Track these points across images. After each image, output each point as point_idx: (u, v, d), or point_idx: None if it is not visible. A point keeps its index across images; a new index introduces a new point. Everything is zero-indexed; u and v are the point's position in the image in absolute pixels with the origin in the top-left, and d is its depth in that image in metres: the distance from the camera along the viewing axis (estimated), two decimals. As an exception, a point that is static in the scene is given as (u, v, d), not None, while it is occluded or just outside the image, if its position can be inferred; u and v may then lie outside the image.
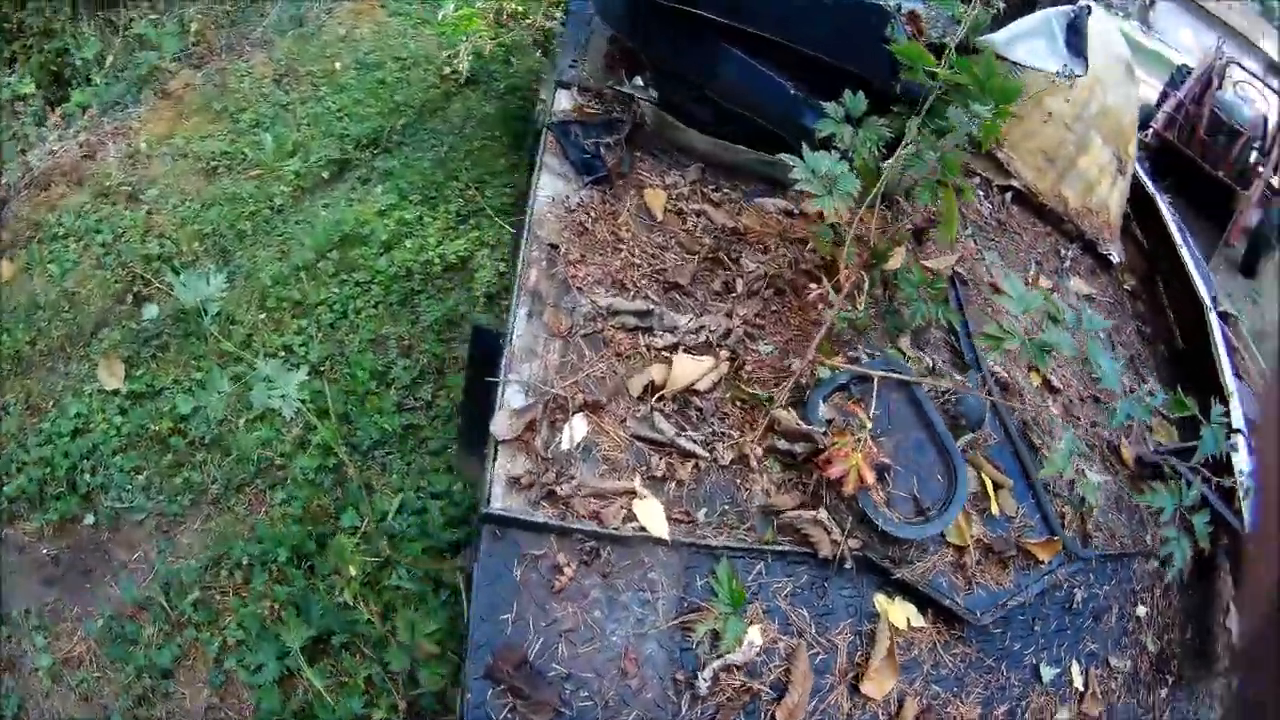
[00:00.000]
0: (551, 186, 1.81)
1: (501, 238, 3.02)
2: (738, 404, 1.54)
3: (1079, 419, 2.02)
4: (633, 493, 1.32)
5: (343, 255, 2.93)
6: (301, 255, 2.88)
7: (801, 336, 1.70)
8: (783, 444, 1.47)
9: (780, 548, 1.39)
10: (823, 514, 1.39)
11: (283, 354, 2.63)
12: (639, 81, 2.08)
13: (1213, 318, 2.38)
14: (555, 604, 1.25)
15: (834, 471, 1.34)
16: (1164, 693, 1.78)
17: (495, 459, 1.34)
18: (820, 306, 1.63)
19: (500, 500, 1.29)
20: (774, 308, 1.76)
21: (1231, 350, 2.34)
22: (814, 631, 1.35)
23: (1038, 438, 1.84)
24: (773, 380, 1.58)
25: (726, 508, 1.41)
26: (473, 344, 1.74)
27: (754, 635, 1.28)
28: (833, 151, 1.58)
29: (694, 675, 1.23)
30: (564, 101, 2.04)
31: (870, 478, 1.36)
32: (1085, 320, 1.68)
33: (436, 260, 2.95)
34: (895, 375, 1.62)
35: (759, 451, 1.47)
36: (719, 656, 1.25)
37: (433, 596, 2.12)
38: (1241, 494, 1.86)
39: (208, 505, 2.35)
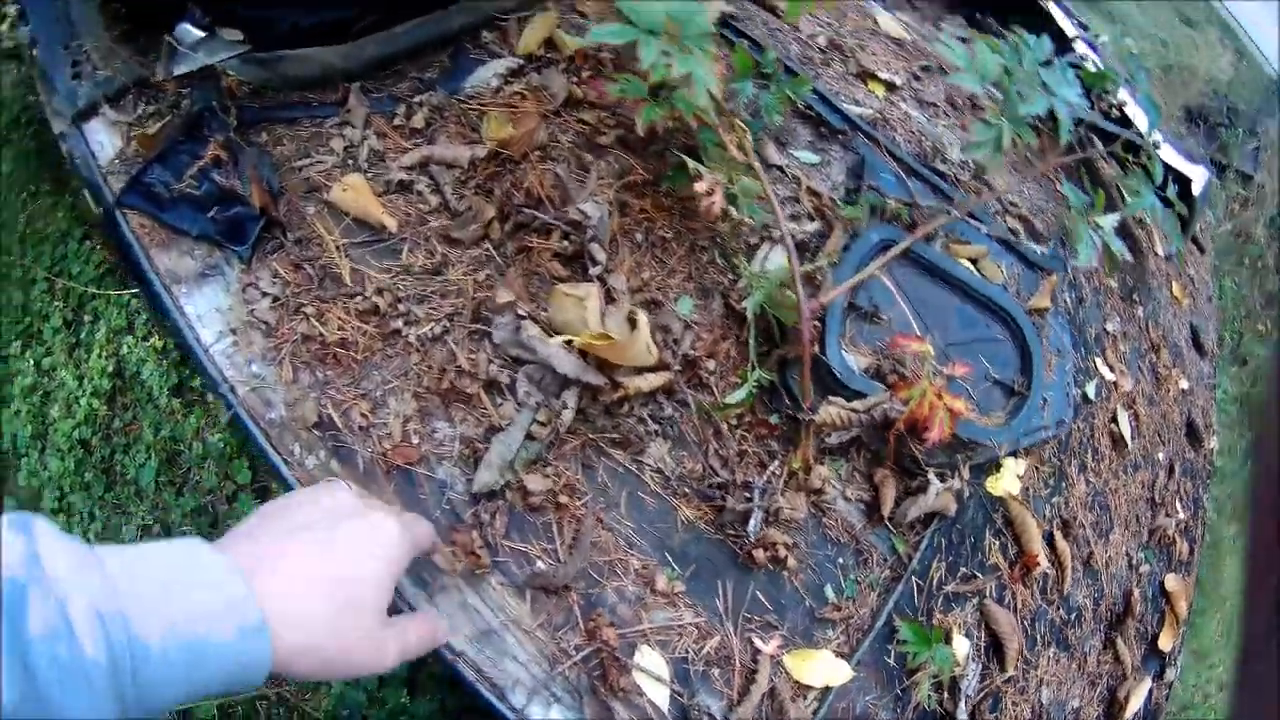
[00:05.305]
0: (201, 303, 0.87)
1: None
2: (723, 420, 0.95)
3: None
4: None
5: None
6: None
7: (705, 263, 1.04)
8: (834, 438, 0.97)
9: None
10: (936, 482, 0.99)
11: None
12: (191, 30, 0.99)
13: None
14: None
15: (933, 436, 0.89)
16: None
17: None
18: (712, 201, 0.93)
19: None
20: (644, 235, 1.03)
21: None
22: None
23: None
24: (731, 355, 0.98)
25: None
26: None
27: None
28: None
29: None
30: (105, 143, 0.95)
31: (961, 406, 0.91)
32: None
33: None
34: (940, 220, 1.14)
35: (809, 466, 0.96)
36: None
37: None
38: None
39: None
